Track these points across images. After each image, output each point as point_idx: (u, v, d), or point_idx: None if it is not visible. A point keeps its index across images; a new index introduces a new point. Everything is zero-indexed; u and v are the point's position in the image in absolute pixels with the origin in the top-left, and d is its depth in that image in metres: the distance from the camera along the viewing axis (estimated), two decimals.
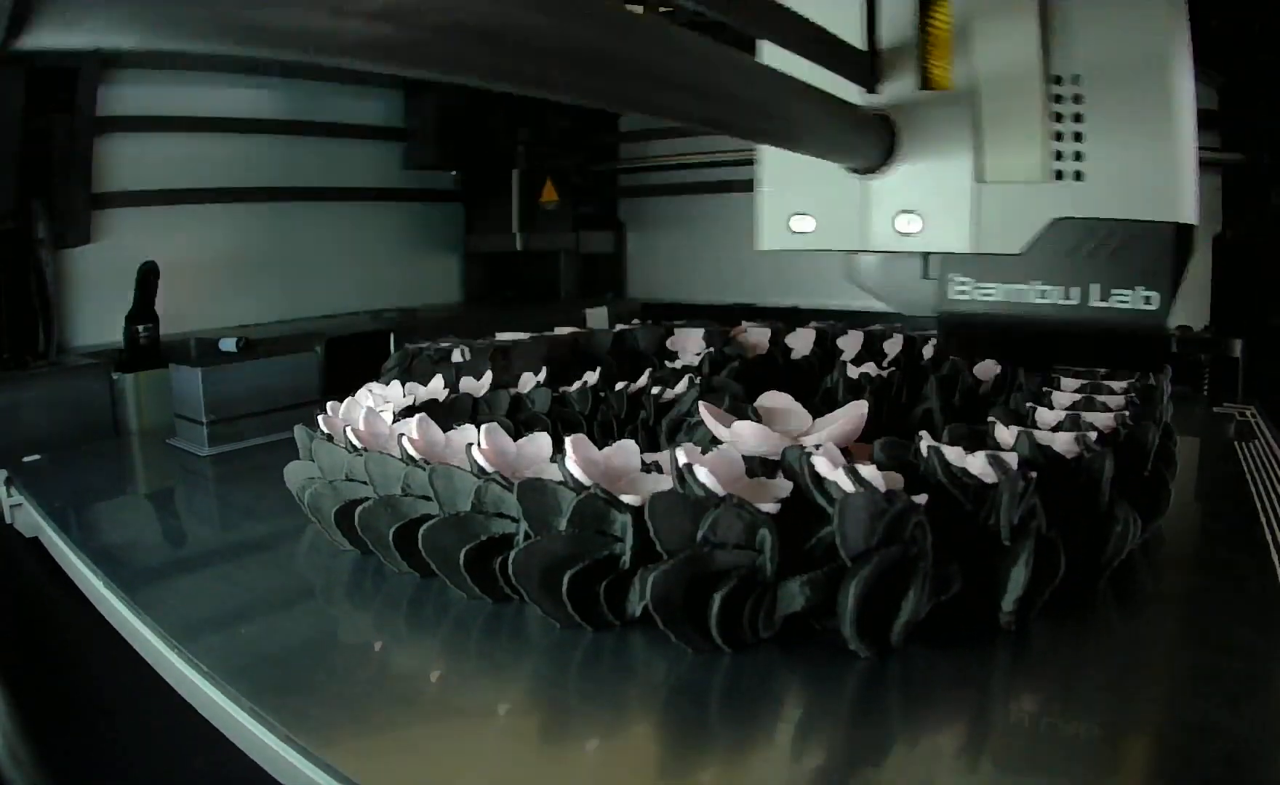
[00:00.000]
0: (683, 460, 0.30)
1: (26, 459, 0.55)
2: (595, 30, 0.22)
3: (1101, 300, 0.35)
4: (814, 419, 0.44)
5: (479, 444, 0.33)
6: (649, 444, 0.46)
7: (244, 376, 0.58)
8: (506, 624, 0.32)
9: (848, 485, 0.29)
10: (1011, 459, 0.30)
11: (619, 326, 0.67)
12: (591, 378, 0.49)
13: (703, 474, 0.29)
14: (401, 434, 0.36)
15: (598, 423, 0.47)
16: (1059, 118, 0.35)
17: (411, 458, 0.35)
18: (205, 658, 0.30)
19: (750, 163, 1.07)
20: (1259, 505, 0.41)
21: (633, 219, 1.19)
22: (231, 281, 0.85)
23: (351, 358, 0.78)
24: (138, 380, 0.63)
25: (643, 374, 0.50)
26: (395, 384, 0.46)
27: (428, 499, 0.34)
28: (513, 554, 0.30)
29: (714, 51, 0.27)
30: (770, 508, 0.29)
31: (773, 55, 0.35)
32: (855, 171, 0.38)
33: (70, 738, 0.48)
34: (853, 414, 0.39)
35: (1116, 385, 0.43)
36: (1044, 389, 0.42)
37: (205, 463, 0.53)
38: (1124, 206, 0.33)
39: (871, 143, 0.36)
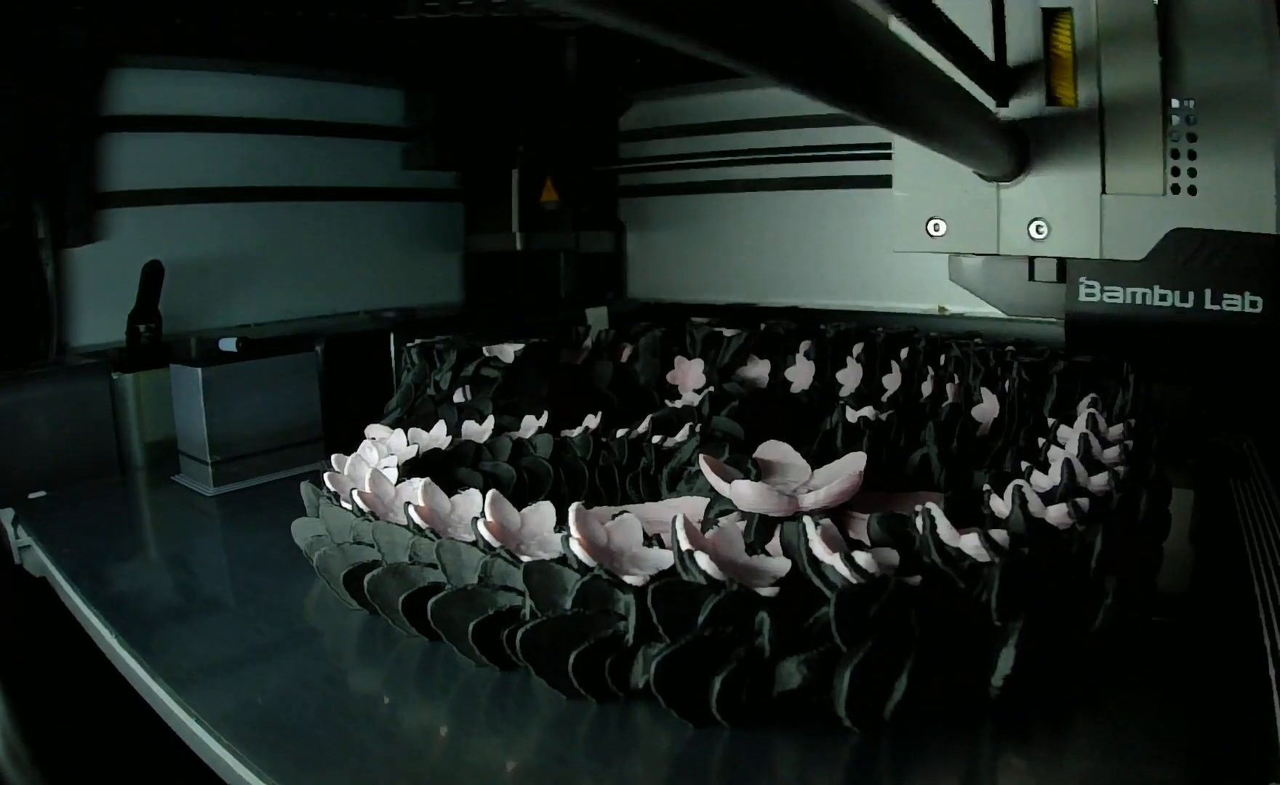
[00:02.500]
0: (684, 545, 0.31)
1: (32, 496, 0.57)
2: None
3: (1213, 304, 0.39)
4: (813, 469, 0.45)
5: (484, 517, 0.35)
6: (650, 492, 0.48)
7: (244, 376, 0.59)
8: (513, 692, 0.34)
9: (844, 571, 0.30)
10: (1003, 537, 0.32)
11: (632, 339, 0.68)
12: (592, 422, 0.50)
13: (703, 561, 0.30)
14: (408, 502, 0.37)
15: (599, 468, 0.48)
16: (1175, 136, 0.39)
17: (418, 527, 0.36)
18: (224, 729, 0.32)
19: (751, 163, 1.08)
20: (1249, 554, 0.43)
21: (633, 219, 1.20)
22: (231, 281, 0.86)
23: (351, 358, 0.79)
24: (138, 380, 0.64)
25: (644, 419, 0.51)
26: (398, 433, 0.47)
27: (435, 566, 0.36)
28: (520, 633, 0.32)
29: (887, 40, 0.27)
30: (769, 592, 0.31)
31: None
32: (987, 179, 0.41)
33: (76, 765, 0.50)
34: (851, 472, 0.41)
35: (1113, 432, 0.44)
36: (1040, 441, 0.43)
37: (211, 504, 0.54)
38: (1233, 219, 0.38)
39: (1009, 152, 0.39)
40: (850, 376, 0.59)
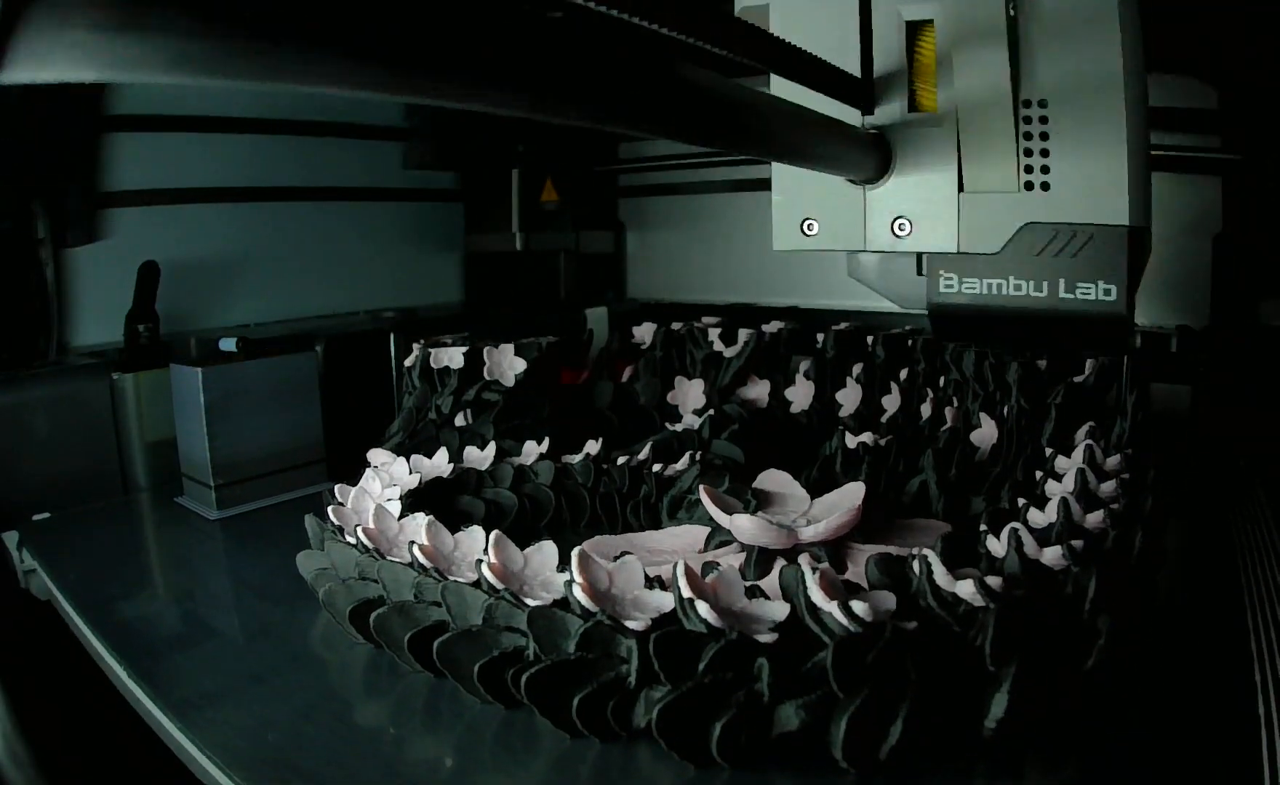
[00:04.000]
0: (685, 593, 0.32)
1: (36, 517, 0.58)
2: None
3: (1067, 293, 0.41)
4: (812, 498, 0.46)
5: (488, 558, 0.36)
6: (650, 520, 0.49)
7: (244, 376, 0.60)
8: (518, 729, 0.35)
9: (841, 619, 0.31)
10: (997, 583, 0.33)
11: (633, 355, 0.69)
12: (593, 448, 0.51)
13: (704, 609, 0.31)
14: (412, 541, 0.38)
15: (600, 495, 0.49)
16: (1028, 136, 0.41)
17: (423, 566, 0.37)
18: (236, 767, 0.33)
19: (751, 163, 1.08)
20: (1243, 582, 0.44)
21: (633, 219, 1.20)
22: (231, 281, 0.86)
23: (351, 358, 0.80)
24: (137, 380, 0.65)
25: (645, 445, 0.52)
26: (400, 461, 0.48)
27: (439, 605, 0.37)
28: (525, 678, 0.33)
29: (745, 94, 0.33)
30: (767, 638, 0.32)
31: (783, 85, 0.41)
32: (855, 183, 0.45)
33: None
34: (849, 505, 0.42)
35: (1111, 463, 0.45)
36: (1037, 474, 0.44)
37: (215, 527, 0.55)
38: (1083, 212, 0.40)
39: (870, 159, 0.43)
40: (850, 397, 0.60)
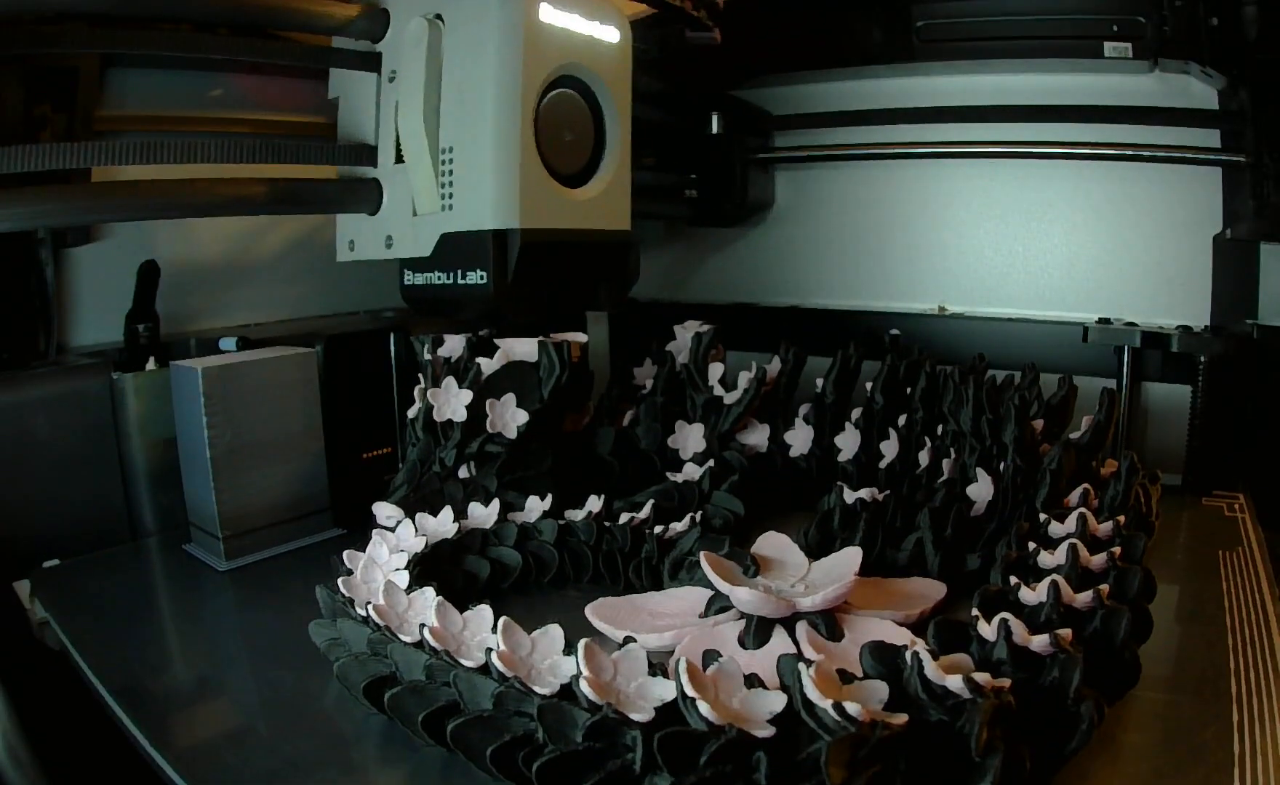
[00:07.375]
0: (689, 692, 0.35)
1: (46, 564, 0.60)
2: None
3: (463, 279, 0.58)
4: (811, 561, 0.49)
5: (497, 647, 0.38)
6: (652, 580, 0.51)
7: (244, 377, 0.62)
8: None
9: (835, 716, 0.34)
10: (985, 679, 0.36)
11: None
12: (595, 505, 0.53)
13: (704, 709, 0.34)
14: (422, 624, 0.41)
15: (603, 553, 0.52)
16: (444, 172, 0.59)
17: (434, 649, 0.40)
18: None
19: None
20: (1230, 642, 0.47)
21: (633, 219, 1.21)
22: (231, 281, 0.88)
23: (351, 358, 0.82)
24: (137, 380, 0.67)
25: (646, 502, 0.54)
26: (406, 523, 0.51)
27: (450, 685, 0.40)
28: (536, 766, 0.36)
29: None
30: (765, 732, 0.34)
31: None
32: (370, 215, 0.65)
33: None
34: (846, 576, 0.44)
35: (1104, 529, 0.48)
36: (1030, 545, 0.47)
37: (224, 579, 0.58)
38: (470, 222, 0.57)
39: (371, 198, 0.64)
40: (848, 441, 0.63)
